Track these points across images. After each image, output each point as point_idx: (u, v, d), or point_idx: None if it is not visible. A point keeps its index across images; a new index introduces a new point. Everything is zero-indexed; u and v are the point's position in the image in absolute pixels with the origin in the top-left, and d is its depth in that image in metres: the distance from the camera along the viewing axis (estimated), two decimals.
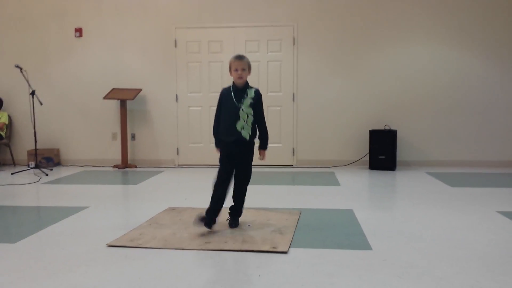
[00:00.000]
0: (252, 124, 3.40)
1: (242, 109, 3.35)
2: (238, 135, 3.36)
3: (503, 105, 6.60)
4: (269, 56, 6.83)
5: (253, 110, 3.39)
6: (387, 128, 6.62)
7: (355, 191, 4.96)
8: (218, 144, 3.51)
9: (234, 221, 3.53)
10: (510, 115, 6.61)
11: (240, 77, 3.36)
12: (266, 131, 3.50)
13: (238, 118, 3.36)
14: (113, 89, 6.91)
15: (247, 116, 3.37)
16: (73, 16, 7.09)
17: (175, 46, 6.96)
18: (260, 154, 3.54)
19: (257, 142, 3.50)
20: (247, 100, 3.37)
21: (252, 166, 3.54)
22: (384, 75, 6.72)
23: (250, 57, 6.80)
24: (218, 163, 3.46)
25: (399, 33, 6.65)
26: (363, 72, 6.74)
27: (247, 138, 3.39)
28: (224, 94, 3.46)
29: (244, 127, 3.36)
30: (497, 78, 6.57)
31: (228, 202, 3.49)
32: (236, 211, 3.55)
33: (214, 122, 3.52)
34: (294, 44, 6.77)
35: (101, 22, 7.05)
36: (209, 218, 3.35)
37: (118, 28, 7.03)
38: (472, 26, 6.55)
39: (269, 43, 6.83)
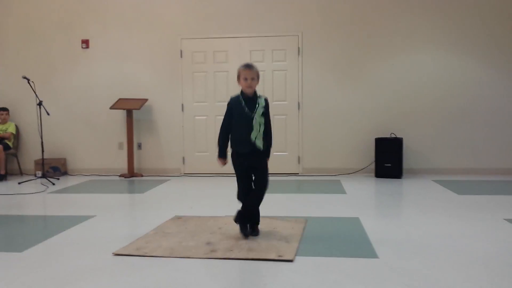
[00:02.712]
0: (264, 133, 3.37)
1: (255, 119, 3.30)
2: (253, 145, 3.31)
3: (509, 112, 6.56)
4: (274, 65, 6.86)
5: (264, 119, 3.35)
6: (392, 136, 6.61)
7: (361, 199, 4.94)
8: (222, 154, 3.38)
9: (246, 228, 3.42)
10: None
11: (250, 86, 3.30)
12: (271, 140, 3.49)
13: (251, 128, 3.29)
14: (120, 99, 6.96)
15: (260, 125, 3.32)
16: (79, 28, 7.17)
17: (181, 56, 7.01)
18: None
19: None
20: (259, 109, 3.32)
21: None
22: (389, 83, 6.72)
23: None
24: (235, 176, 3.41)
25: (404, 41, 6.66)
26: (368, 80, 6.75)
27: (262, 147, 3.34)
28: (234, 104, 3.35)
29: (258, 136, 3.31)
30: (502, 85, 6.55)
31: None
32: (248, 217, 3.43)
33: (221, 132, 3.39)
34: (299, 53, 6.80)
35: (108, 34, 7.12)
36: (244, 222, 3.41)
37: (124, 40, 7.10)
38: (476, 34, 6.55)
39: (274, 53, 6.86)
